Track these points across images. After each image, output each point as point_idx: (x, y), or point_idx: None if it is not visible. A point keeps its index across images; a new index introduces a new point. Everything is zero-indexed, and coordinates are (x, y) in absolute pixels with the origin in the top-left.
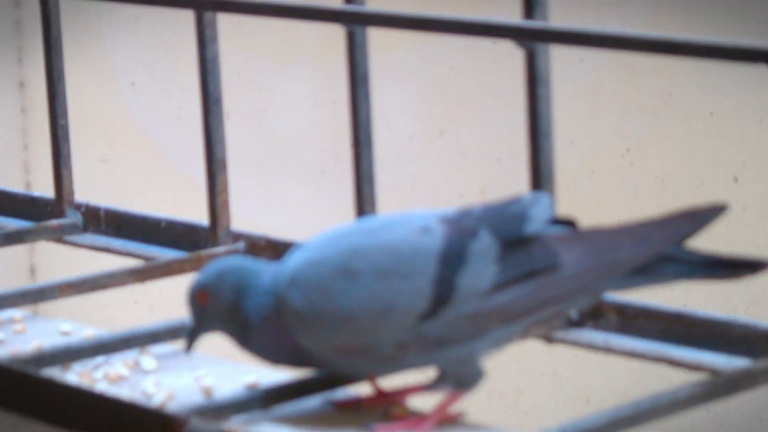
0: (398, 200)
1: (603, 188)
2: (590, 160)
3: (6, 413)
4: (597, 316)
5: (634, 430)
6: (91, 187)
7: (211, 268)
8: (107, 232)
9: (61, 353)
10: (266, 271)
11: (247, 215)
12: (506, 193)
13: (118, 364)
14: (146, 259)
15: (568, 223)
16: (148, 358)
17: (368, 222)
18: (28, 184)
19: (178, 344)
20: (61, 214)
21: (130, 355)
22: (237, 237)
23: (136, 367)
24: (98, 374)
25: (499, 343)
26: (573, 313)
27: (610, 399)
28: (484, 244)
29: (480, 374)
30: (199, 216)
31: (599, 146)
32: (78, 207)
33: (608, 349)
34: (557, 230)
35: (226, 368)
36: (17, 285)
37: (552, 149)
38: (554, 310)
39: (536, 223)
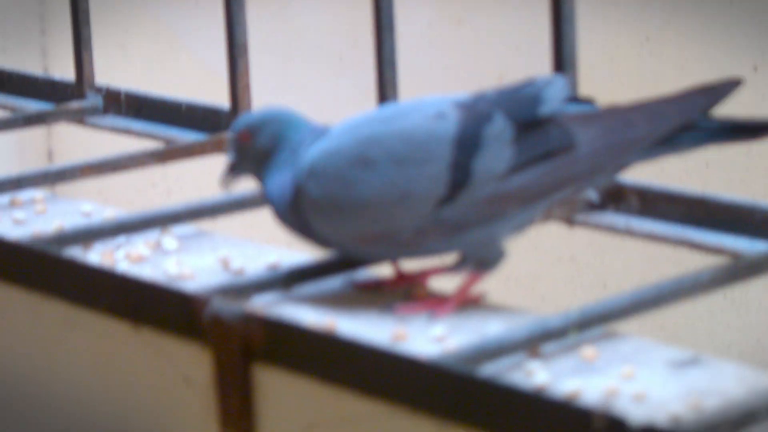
0: (417, 87)
1: (622, 77)
2: (609, 49)
3: (28, 292)
4: (618, 199)
5: (654, 312)
6: (109, 72)
7: (259, 112)
8: (127, 115)
9: (83, 233)
10: (306, 131)
11: (266, 101)
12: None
13: (140, 244)
14: (166, 141)
15: (587, 102)
16: (169, 238)
17: (385, 110)
18: (45, 69)
19: (199, 225)
20: (81, 96)
21: (151, 236)
22: None
23: (158, 247)
24: (120, 254)
25: (521, 225)
26: (594, 197)
27: (627, 284)
28: (499, 127)
29: (501, 255)
30: (216, 101)
31: (618, 35)
32: (98, 90)
33: (629, 232)
34: (575, 109)
35: (247, 249)
36: (39, 166)
37: (575, 34)
38: (572, 191)
39: (551, 104)
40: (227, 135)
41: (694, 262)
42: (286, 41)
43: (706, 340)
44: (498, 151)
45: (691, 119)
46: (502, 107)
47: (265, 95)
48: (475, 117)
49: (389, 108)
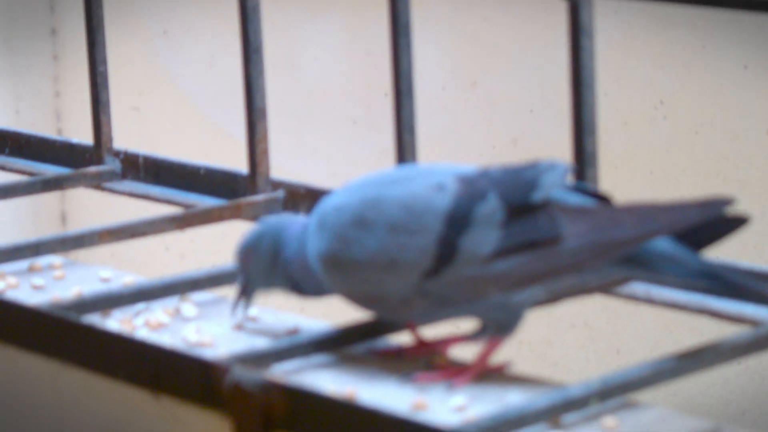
0: (431, 151)
1: (636, 140)
2: (623, 113)
3: (47, 360)
4: None
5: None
6: (123, 135)
7: (251, 231)
8: (146, 179)
9: (102, 300)
10: (300, 222)
11: (280, 165)
12: (538, 144)
13: (159, 311)
14: (185, 206)
15: (595, 194)
16: (189, 305)
17: (397, 171)
18: (59, 132)
19: (219, 292)
20: (99, 160)
21: (170, 302)
22: (276, 185)
23: (177, 314)
24: (139, 321)
25: (534, 298)
26: None
27: (640, 351)
28: (490, 208)
29: (518, 318)
30: (230, 164)
31: (632, 98)
32: (117, 154)
33: (650, 301)
34: (575, 199)
35: (266, 316)
36: (49, 232)
37: (595, 100)
38: (559, 281)
39: (545, 190)
40: (235, 253)
41: (709, 329)
42: (299, 104)
43: (720, 407)
44: (486, 232)
45: (679, 256)
46: (497, 187)
47: (280, 159)
48: (470, 194)
49: (402, 170)
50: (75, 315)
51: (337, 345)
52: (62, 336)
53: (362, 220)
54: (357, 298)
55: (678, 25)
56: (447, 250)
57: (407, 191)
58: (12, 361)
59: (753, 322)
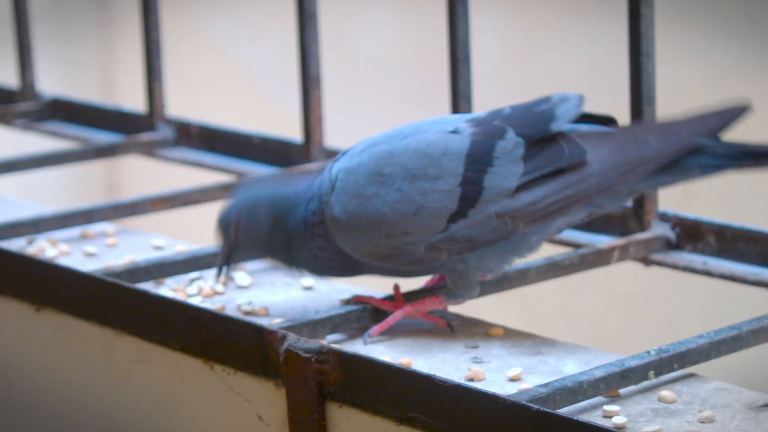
0: None
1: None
2: (676, 83)
3: (99, 327)
4: (696, 238)
5: (732, 354)
6: (174, 104)
7: (239, 200)
8: (198, 147)
9: (155, 267)
10: (296, 187)
11: (333, 135)
12: None
13: (213, 279)
14: (238, 174)
15: (607, 121)
16: (242, 273)
17: (405, 127)
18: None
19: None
20: (152, 128)
21: (224, 271)
22: (330, 154)
23: (230, 282)
24: (192, 289)
25: (531, 247)
26: (672, 235)
27: (691, 325)
28: (511, 144)
29: (473, 292)
30: (278, 133)
31: (683, 68)
32: (169, 122)
33: (707, 272)
34: (588, 128)
35: (321, 285)
36: (98, 200)
37: (654, 69)
38: (584, 210)
39: (563, 120)
40: (216, 230)
41: (761, 304)
42: (352, 74)
43: None
44: (509, 167)
45: (702, 142)
46: (514, 124)
47: (334, 129)
48: (487, 133)
49: (407, 125)
50: (127, 282)
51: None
52: (115, 303)
53: (379, 174)
54: (381, 255)
55: None
56: (472, 190)
57: (422, 140)
58: (65, 329)
59: None
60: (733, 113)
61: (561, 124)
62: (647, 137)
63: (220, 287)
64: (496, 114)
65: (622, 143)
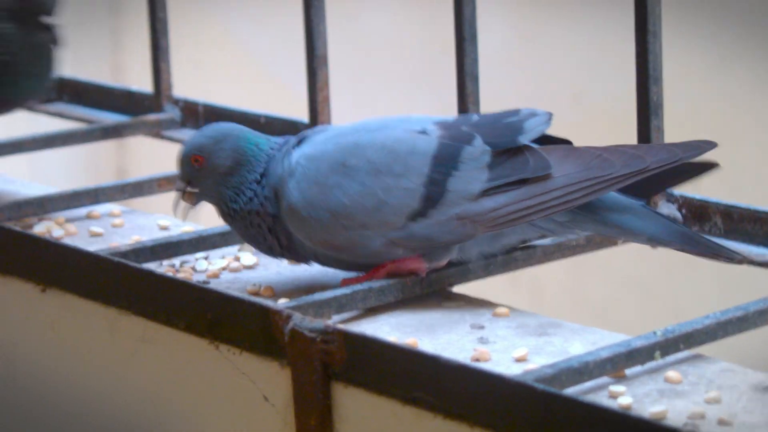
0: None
1: (696, 94)
2: (684, 66)
3: (105, 307)
4: (702, 219)
5: (738, 335)
6: (180, 84)
7: (207, 131)
8: None
9: (161, 247)
10: (267, 146)
11: (342, 116)
12: (599, 98)
13: (218, 259)
14: None
15: (563, 142)
16: (248, 254)
17: (371, 121)
18: (116, 81)
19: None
20: (159, 108)
21: (229, 251)
22: None
23: (236, 262)
24: (198, 269)
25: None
26: (678, 216)
27: (698, 306)
28: (478, 150)
29: (447, 258)
30: (285, 113)
31: (693, 54)
32: (176, 102)
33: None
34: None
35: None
36: (105, 182)
37: (660, 49)
38: (537, 229)
39: (530, 134)
40: (177, 160)
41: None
42: (359, 56)
43: None
44: (474, 173)
45: (665, 169)
46: (482, 132)
47: (340, 110)
48: (455, 138)
49: (375, 120)
50: (133, 262)
51: (399, 294)
52: (121, 283)
53: (343, 165)
54: (335, 246)
55: None
56: (435, 192)
57: (389, 136)
58: (70, 309)
59: None
60: (700, 148)
61: (528, 138)
62: (613, 158)
63: (224, 266)
64: (465, 120)
65: (587, 161)
